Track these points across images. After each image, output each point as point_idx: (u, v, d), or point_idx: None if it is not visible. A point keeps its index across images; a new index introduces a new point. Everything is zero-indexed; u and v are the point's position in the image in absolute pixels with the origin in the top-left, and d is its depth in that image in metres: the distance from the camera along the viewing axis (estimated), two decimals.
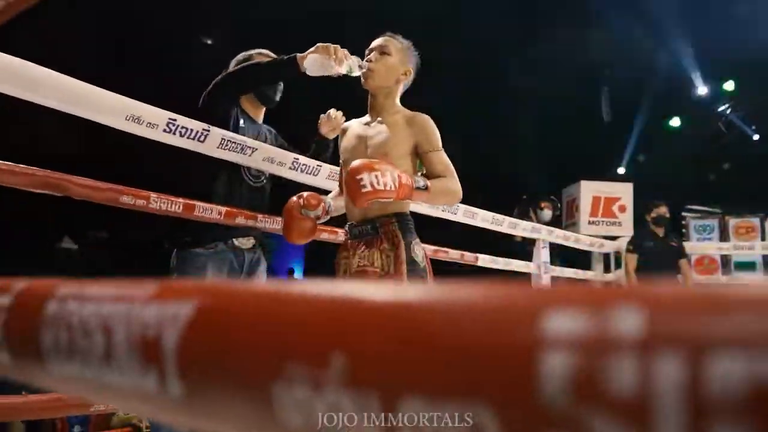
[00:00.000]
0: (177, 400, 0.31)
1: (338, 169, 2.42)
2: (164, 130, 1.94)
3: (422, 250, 1.87)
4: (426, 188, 1.76)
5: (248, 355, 0.28)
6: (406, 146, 1.88)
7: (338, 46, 1.97)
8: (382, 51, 1.93)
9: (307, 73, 2.00)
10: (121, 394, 0.34)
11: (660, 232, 4.84)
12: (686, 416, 0.18)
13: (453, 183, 1.87)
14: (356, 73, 1.99)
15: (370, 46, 1.97)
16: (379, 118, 1.93)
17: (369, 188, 1.62)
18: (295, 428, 0.26)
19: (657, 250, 4.79)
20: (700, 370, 0.18)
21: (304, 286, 0.29)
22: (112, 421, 3.55)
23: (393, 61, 1.92)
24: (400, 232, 1.84)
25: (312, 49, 1.99)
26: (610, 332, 0.19)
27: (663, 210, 4.82)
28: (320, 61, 1.97)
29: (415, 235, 1.87)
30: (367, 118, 2.00)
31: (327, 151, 2.53)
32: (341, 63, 1.96)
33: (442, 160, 1.88)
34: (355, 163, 1.69)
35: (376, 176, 1.62)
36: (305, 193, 2.01)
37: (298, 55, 2.00)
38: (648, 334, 0.19)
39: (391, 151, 1.85)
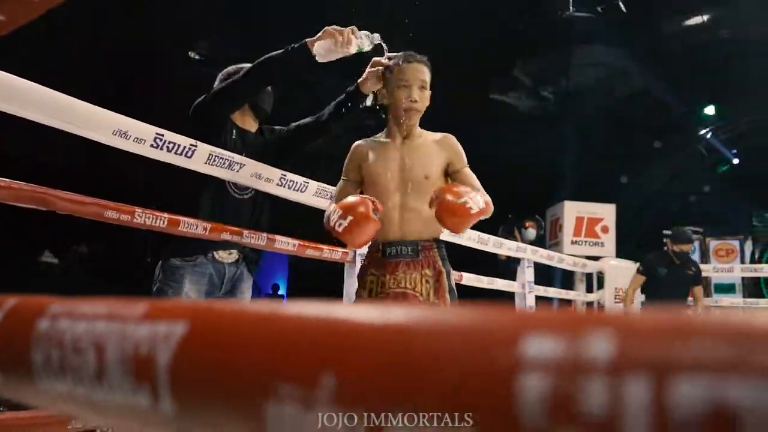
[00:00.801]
0: (169, 418, 0.32)
1: (327, 186, 2.43)
2: (151, 145, 1.94)
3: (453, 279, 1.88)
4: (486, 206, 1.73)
5: (240, 375, 0.29)
6: (441, 166, 1.88)
7: (345, 29, 1.97)
8: (423, 86, 1.86)
9: (317, 59, 2.01)
10: (112, 412, 0.35)
11: (677, 260, 4.76)
12: None
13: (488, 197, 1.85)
14: (368, 48, 2.00)
15: (408, 74, 1.84)
16: (407, 140, 1.90)
17: (476, 210, 1.58)
18: None
19: (668, 277, 4.71)
20: (664, 392, 0.19)
21: (295, 307, 0.30)
22: None
23: (428, 92, 1.89)
24: (440, 260, 1.83)
25: (320, 33, 2.00)
26: (583, 356, 0.21)
27: (687, 248, 4.78)
28: (328, 46, 1.99)
29: (448, 263, 1.86)
30: (387, 139, 1.93)
31: (361, 104, 2.22)
32: (350, 45, 1.98)
33: (473, 175, 1.88)
34: (447, 187, 1.65)
35: (472, 197, 1.60)
36: (369, 197, 1.80)
37: (308, 40, 2.01)
38: (618, 359, 0.20)
39: (432, 172, 1.84)
